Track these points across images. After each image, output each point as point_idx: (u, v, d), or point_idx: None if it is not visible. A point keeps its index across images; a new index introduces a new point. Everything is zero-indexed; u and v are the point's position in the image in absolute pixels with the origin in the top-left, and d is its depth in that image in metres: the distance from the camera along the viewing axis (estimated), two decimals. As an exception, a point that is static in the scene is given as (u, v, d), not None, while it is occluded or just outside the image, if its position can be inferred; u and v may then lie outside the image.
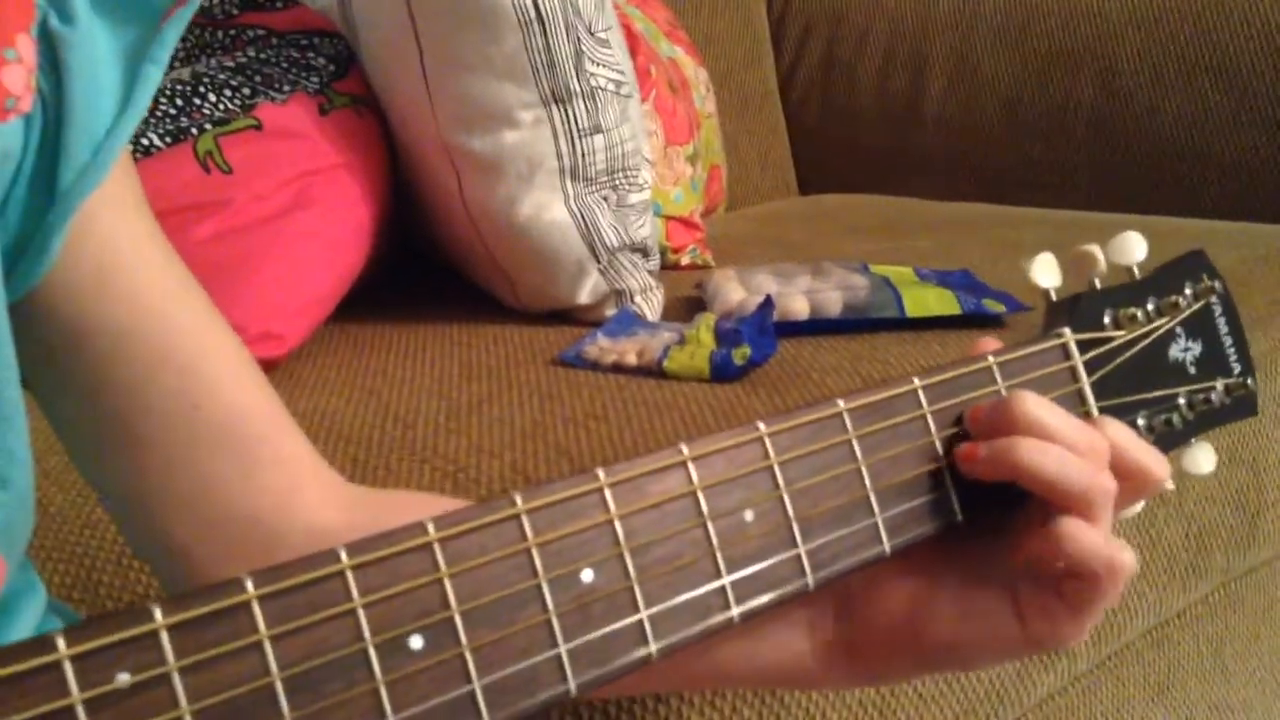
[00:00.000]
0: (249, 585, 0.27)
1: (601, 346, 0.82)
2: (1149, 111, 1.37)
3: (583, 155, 0.89)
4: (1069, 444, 0.40)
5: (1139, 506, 0.46)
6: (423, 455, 0.67)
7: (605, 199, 0.91)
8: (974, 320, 0.85)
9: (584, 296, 0.92)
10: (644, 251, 0.94)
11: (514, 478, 0.64)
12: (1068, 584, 0.39)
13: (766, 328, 0.81)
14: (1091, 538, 0.38)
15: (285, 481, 0.43)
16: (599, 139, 0.89)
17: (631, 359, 0.80)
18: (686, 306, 0.98)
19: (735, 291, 0.92)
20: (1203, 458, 0.51)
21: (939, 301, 0.86)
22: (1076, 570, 0.38)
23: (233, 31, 0.99)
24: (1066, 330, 0.47)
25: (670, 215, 1.17)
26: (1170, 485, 0.50)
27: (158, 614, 0.26)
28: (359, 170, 0.91)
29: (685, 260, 1.16)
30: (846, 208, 1.48)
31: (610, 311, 0.93)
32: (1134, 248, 0.50)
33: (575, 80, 0.87)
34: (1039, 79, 1.46)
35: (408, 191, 0.99)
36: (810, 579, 0.38)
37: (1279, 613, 0.95)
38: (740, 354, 0.77)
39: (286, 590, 0.28)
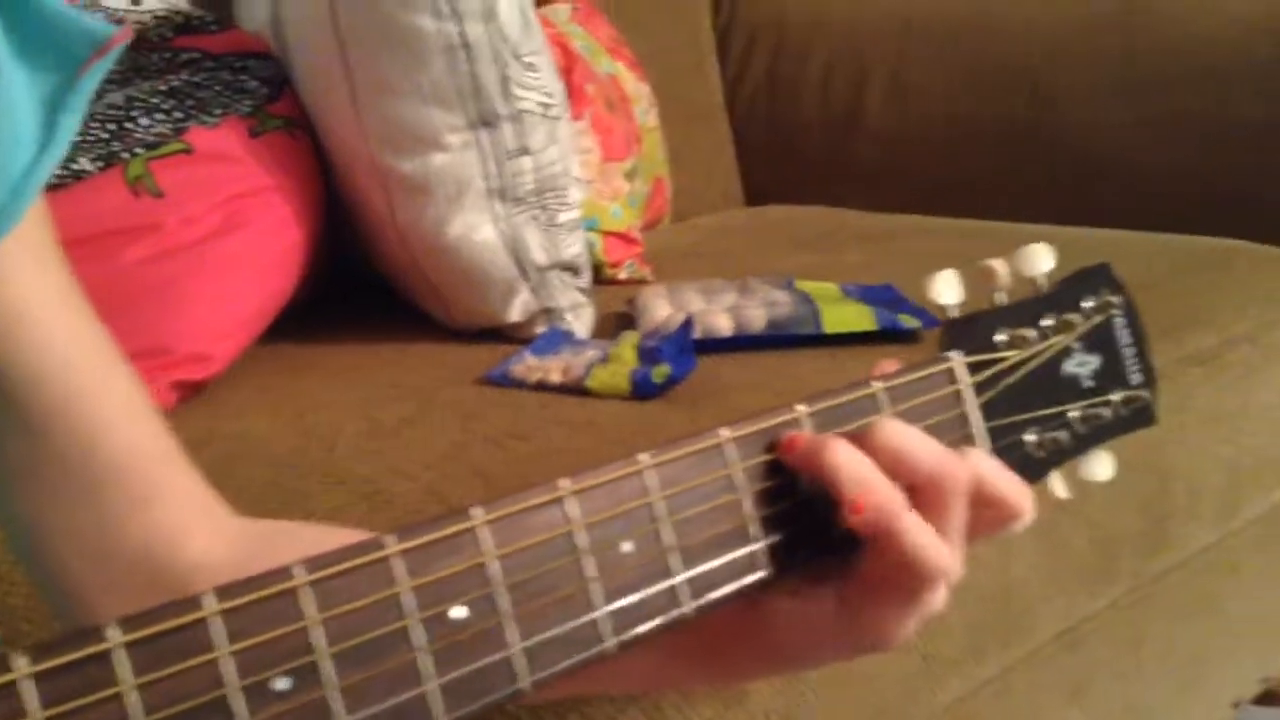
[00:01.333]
0: (111, 633, 0.28)
1: (528, 365, 0.84)
2: (1080, 125, 1.40)
3: (510, 176, 0.91)
4: (923, 467, 0.42)
5: (1021, 524, 0.47)
6: (340, 477, 0.68)
7: (534, 219, 0.93)
8: (891, 335, 0.87)
9: (514, 315, 0.94)
10: (574, 270, 0.96)
11: (429, 499, 0.65)
12: (885, 583, 0.41)
13: (686, 345, 0.83)
14: (921, 538, 0.40)
15: (175, 518, 0.45)
16: (526, 160, 0.91)
17: (556, 377, 0.82)
18: (618, 323, 1.00)
19: (662, 308, 0.94)
20: (1099, 466, 0.53)
21: (856, 317, 0.88)
22: (897, 569, 0.40)
23: (168, 55, 1.00)
24: (953, 354, 0.48)
25: (608, 230, 1.19)
26: (1064, 493, 0.51)
27: (21, 663, 0.27)
28: (291, 192, 0.93)
29: (623, 275, 1.18)
30: (788, 219, 1.50)
31: (541, 329, 0.95)
32: (1039, 260, 0.51)
33: (502, 104, 0.88)
34: (974, 93, 1.49)
35: (342, 212, 1.00)
36: (689, 607, 0.39)
37: (1194, 615, 0.98)
38: (659, 372, 0.79)
39: (152, 637, 0.29)
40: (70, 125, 0.40)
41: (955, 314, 0.49)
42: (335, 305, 1.07)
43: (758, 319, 0.91)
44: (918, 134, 1.53)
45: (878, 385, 0.45)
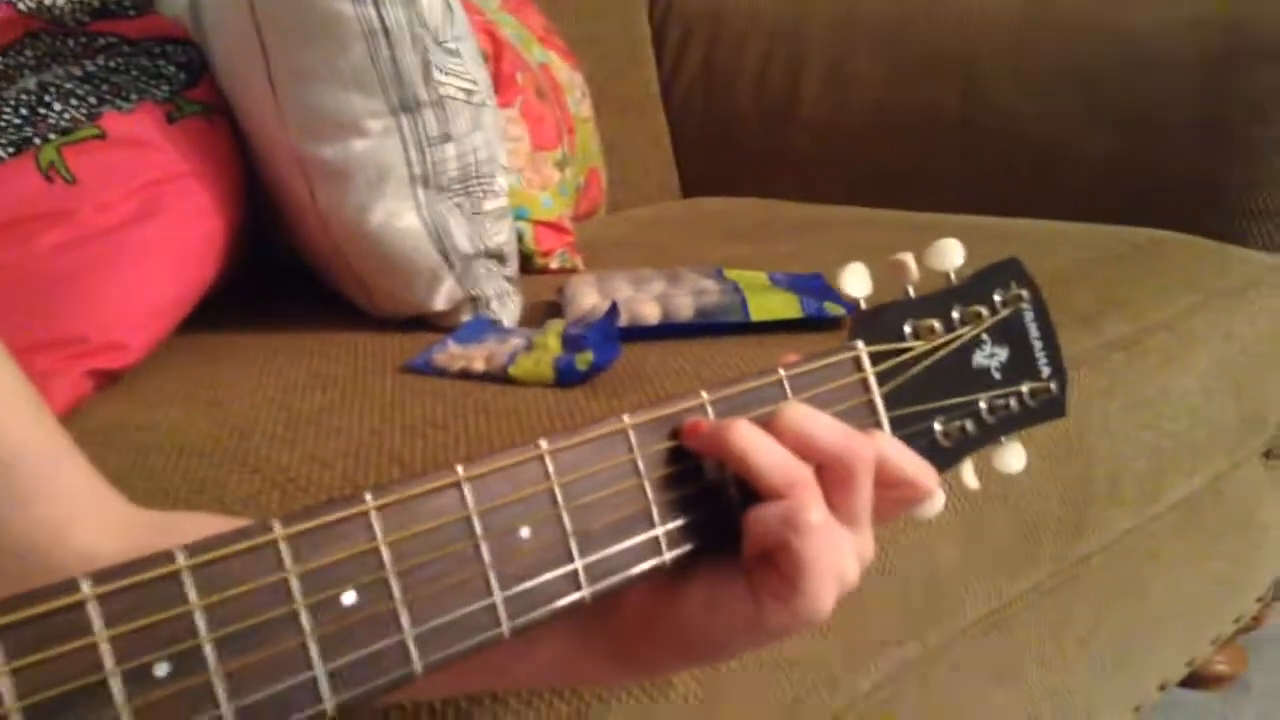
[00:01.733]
0: None
1: (451, 353, 0.83)
2: (1010, 115, 1.42)
3: (433, 164, 0.89)
4: (826, 446, 0.42)
5: (934, 507, 0.49)
6: (254, 465, 0.67)
7: (459, 206, 0.92)
8: (816, 323, 0.88)
9: (439, 303, 0.93)
10: (500, 258, 0.95)
11: (343, 487, 0.64)
12: (778, 557, 0.41)
13: (611, 333, 0.83)
14: (773, 509, 0.41)
15: (61, 513, 0.43)
16: (450, 147, 0.90)
17: (479, 365, 0.81)
18: (547, 312, 0.99)
19: (589, 297, 0.93)
20: (1012, 457, 0.53)
21: (782, 305, 0.88)
22: (771, 543, 0.41)
23: (84, 39, 0.98)
24: (859, 342, 0.48)
25: (539, 220, 1.19)
26: (975, 484, 0.53)
27: None
28: (209, 179, 0.91)
29: (554, 264, 1.18)
30: (723, 211, 1.51)
31: (466, 317, 0.94)
32: (950, 254, 0.52)
33: (423, 89, 0.87)
34: (907, 83, 1.50)
35: (262, 199, 0.99)
36: (586, 592, 0.39)
37: (1119, 597, 1.00)
38: (583, 359, 0.79)
39: (23, 621, 0.28)
40: None
41: (863, 306, 0.50)
42: (256, 293, 1.05)
43: (685, 307, 0.91)
44: (853, 125, 1.54)
45: (781, 373, 0.45)
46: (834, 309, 0.89)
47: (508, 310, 0.95)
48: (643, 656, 0.45)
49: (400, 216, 0.89)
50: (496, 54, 1.18)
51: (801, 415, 0.42)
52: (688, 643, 0.43)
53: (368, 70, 0.85)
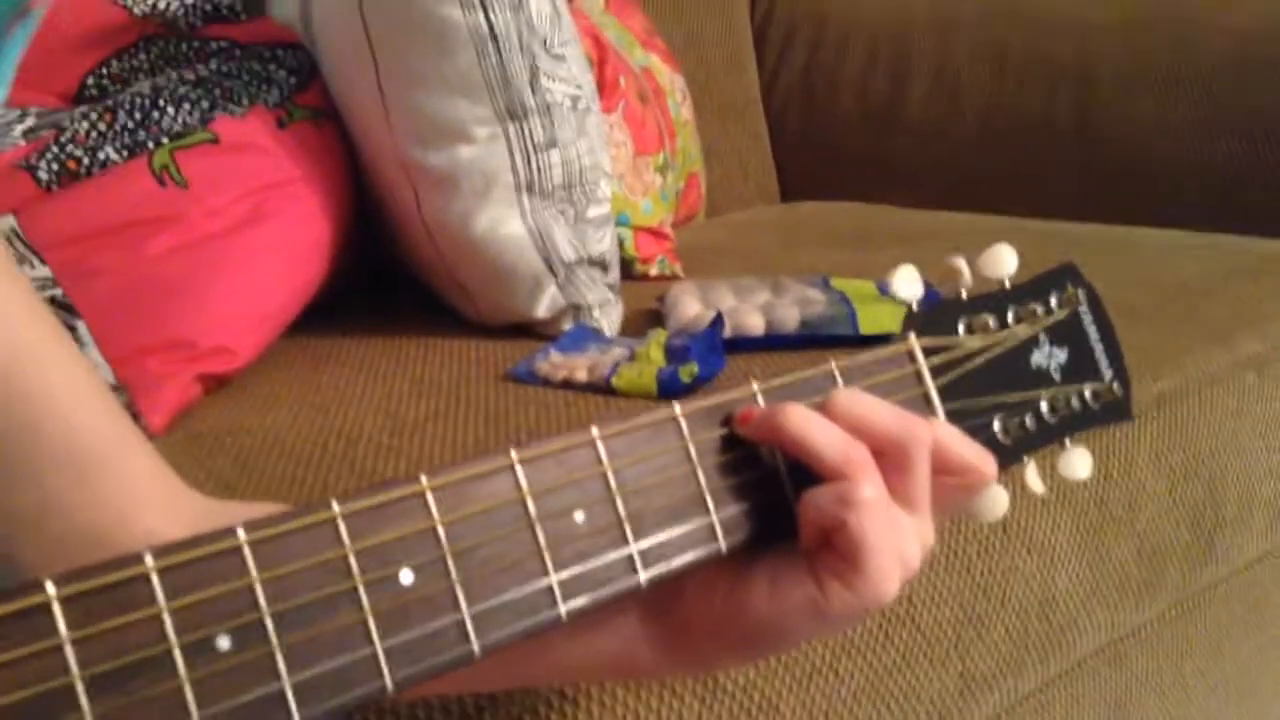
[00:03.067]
0: (50, 588, 0.28)
1: (553, 362, 0.82)
2: (1124, 121, 1.37)
3: (539, 170, 0.89)
4: (881, 428, 0.42)
5: (999, 508, 0.48)
6: (361, 473, 0.67)
7: (562, 213, 0.91)
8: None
9: (541, 311, 0.92)
10: (602, 266, 0.94)
11: (449, 499, 0.64)
12: (836, 538, 0.40)
13: (716, 345, 0.81)
14: (827, 490, 0.40)
15: (126, 498, 0.44)
16: (555, 154, 0.89)
17: (581, 375, 0.80)
18: (647, 320, 0.98)
19: (692, 306, 0.91)
20: (1078, 462, 0.52)
21: (893, 318, 0.85)
22: (828, 523, 0.40)
23: (196, 44, 0.99)
24: (911, 335, 0.48)
25: (639, 226, 1.17)
26: (1039, 487, 0.52)
27: None
28: (317, 184, 0.91)
29: (654, 271, 1.16)
30: (823, 215, 1.48)
31: (568, 325, 0.93)
32: (1004, 260, 0.52)
33: (530, 96, 0.87)
34: (1017, 88, 1.46)
35: (368, 205, 0.99)
36: (642, 576, 0.39)
37: (1240, 628, 0.95)
38: (687, 371, 0.77)
39: (89, 592, 0.29)
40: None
41: (914, 308, 0.50)
42: (360, 300, 1.05)
43: (790, 318, 0.89)
44: (960, 130, 1.50)
45: (833, 364, 0.45)
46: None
47: (609, 318, 0.94)
48: (703, 649, 0.44)
49: (505, 223, 0.89)
50: (600, 58, 1.17)
51: (855, 398, 0.42)
52: (750, 633, 0.42)
53: (475, 77, 0.85)
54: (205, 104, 0.90)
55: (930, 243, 1.21)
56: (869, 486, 0.40)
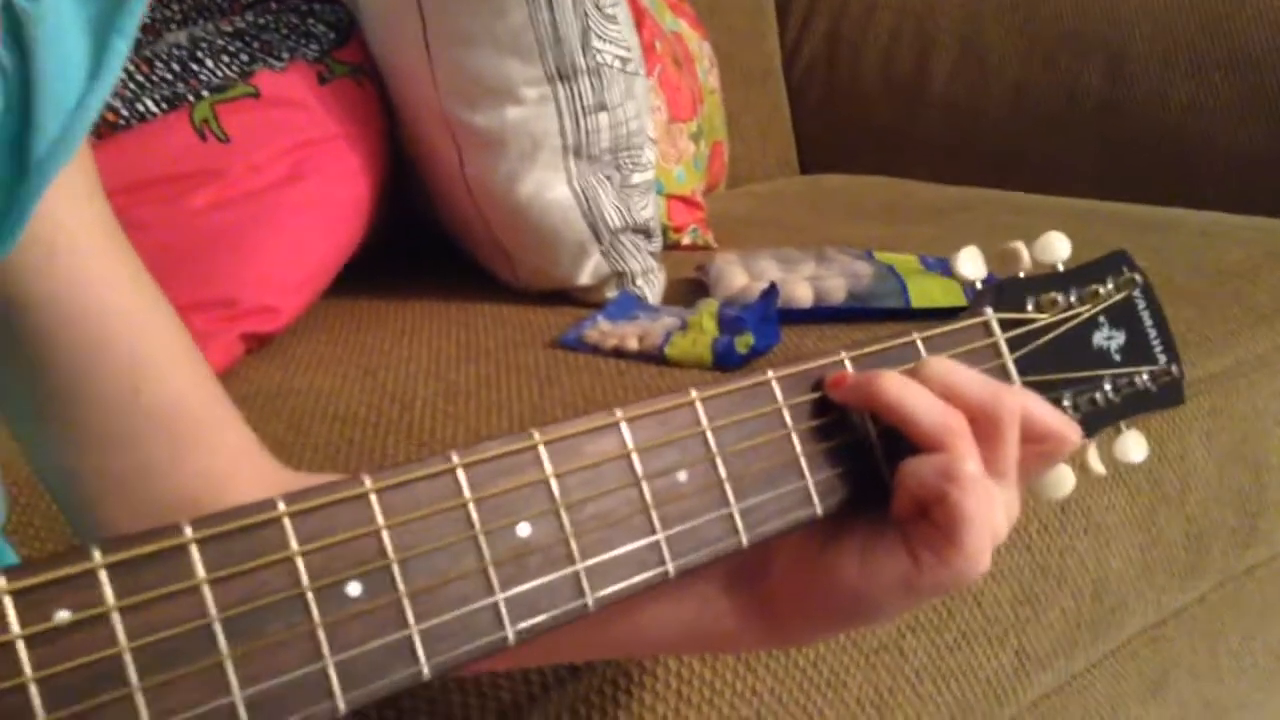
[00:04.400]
0: (187, 530, 0.28)
1: (602, 330, 0.81)
2: (1157, 100, 1.36)
3: (587, 133, 0.87)
4: (974, 396, 0.41)
5: (1065, 486, 0.49)
6: (420, 438, 0.65)
7: (609, 178, 0.89)
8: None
9: (585, 278, 0.90)
10: (646, 233, 0.93)
11: (513, 466, 0.63)
12: (934, 511, 0.40)
13: (770, 316, 0.80)
14: (929, 462, 0.40)
15: (220, 467, 0.44)
16: (604, 117, 0.87)
17: (633, 344, 0.79)
18: (687, 289, 0.97)
19: (738, 277, 0.90)
20: (1133, 446, 0.53)
21: (944, 293, 0.85)
22: (927, 495, 0.40)
23: (230, -6, 0.97)
24: (989, 309, 0.49)
25: (672, 194, 1.16)
26: (1100, 468, 0.53)
27: (96, 555, 0.27)
28: (358, 141, 0.89)
29: (686, 240, 1.15)
30: (848, 188, 1.46)
31: (611, 293, 0.91)
32: (1058, 247, 0.52)
33: (581, 56, 0.85)
34: (1046, 63, 1.44)
35: (407, 164, 0.97)
36: (744, 537, 0.39)
37: (1274, 611, 0.95)
38: (743, 342, 0.76)
39: (225, 534, 0.29)
40: (122, 49, 0.39)
41: (979, 288, 0.51)
42: (395, 259, 1.03)
43: (838, 289, 0.88)
44: (987, 105, 1.48)
45: (917, 335, 0.46)
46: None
47: (652, 287, 0.93)
48: (789, 621, 0.44)
49: (551, 187, 0.87)
50: (638, 20, 1.14)
51: (948, 366, 0.42)
52: (840, 604, 0.42)
53: (527, 35, 0.83)
54: (245, 57, 0.88)
55: (963, 217, 1.21)
56: (972, 460, 0.40)
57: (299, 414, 0.69)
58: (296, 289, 0.83)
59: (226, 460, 0.44)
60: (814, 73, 1.67)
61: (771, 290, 0.83)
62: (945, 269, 0.93)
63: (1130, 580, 0.76)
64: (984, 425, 0.41)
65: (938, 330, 0.46)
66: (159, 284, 0.80)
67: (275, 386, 0.74)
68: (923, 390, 0.41)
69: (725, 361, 0.76)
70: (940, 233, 1.15)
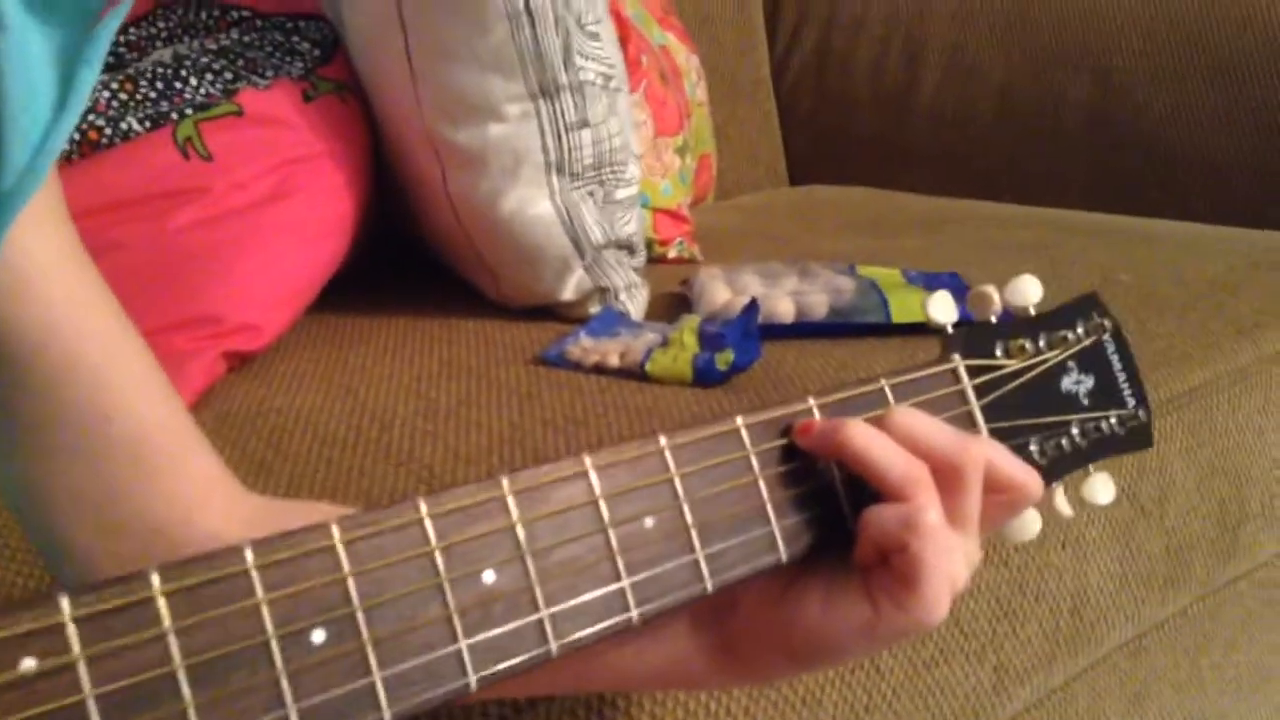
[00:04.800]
0: (154, 580, 0.29)
1: (584, 346, 0.81)
2: (1144, 111, 1.36)
3: (569, 150, 0.87)
4: (938, 446, 0.42)
5: (1031, 530, 0.50)
6: (398, 459, 0.66)
7: (591, 194, 0.90)
8: (959, 326, 0.84)
9: (568, 293, 0.91)
10: (629, 248, 0.93)
11: (490, 485, 0.63)
12: (894, 559, 0.41)
13: (751, 331, 0.80)
14: (891, 511, 0.41)
15: (190, 494, 0.44)
16: (586, 133, 0.88)
17: (614, 360, 0.79)
18: (671, 304, 0.97)
19: (721, 292, 0.91)
20: (1101, 488, 0.54)
21: (923, 307, 0.85)
22: (889, 544, 0.41)
23: (216, 12, 0.97)
24: (956, 356, 0.49)
25: (658, 208, 1.16)
26: (1068, 511, 0.53)
27: (64, 604, 0.27)
28: (342, 159, 0.90)
29: (672, 253, 1.15)
30: (836, 200, 1.47)
31: (594, 308, 0.92)
32: (1029, 290, 0.53)
33: (563, 73, 0.85)
34: (1034, 74, 1.45)
35: (391, 180, 0.97)
36: (709, 584, 0.39)
37: (1256, 624, 0.95)
38: (723, 359, 0.76)
39: (192, 586, 0.29)
40: (89, 79, 0.40)
41: (950, 330, 0.51)
42: (379, 276, 1.04)
43: (820, 305, 0.88)
44: (974, 116, 1.49)
45: (884, 382, 0.46)
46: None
47: (635, 302, 0.93)
48: (754, 661, 0.44)
49: (533, 204, 0.87)
50: (624, 36, 1.15)
51: (913, 416, 0.43)
52: (802, 646, 0.43)
53: (509, 52, 0.83)
54: (229, 75, 0.88)
55: (951, 229, 1.21)
56: (934, 511, 0.41)
57: (278, 433, 0.70)
58: (279, 307, 0.84)
59: (195, 486, 0.45)
60: (803, 85, 1.67)
61: (752, 306, 0.83)
62: (928, 283, 0.93)
63: (1109, 594, 0.76)
64: (947, 475, 0.42)
65: (906, 377, 0.47)
66: (142, 302, 0.81)
67: (256, 405, 0.74)
68: (887, 440, 0.42)
69: (705, 378, 0.76)
70: (928, 244, 1.15)
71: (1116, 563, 0.76)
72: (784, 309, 0.87)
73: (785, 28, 1.69)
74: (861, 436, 0.41)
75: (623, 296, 0.92)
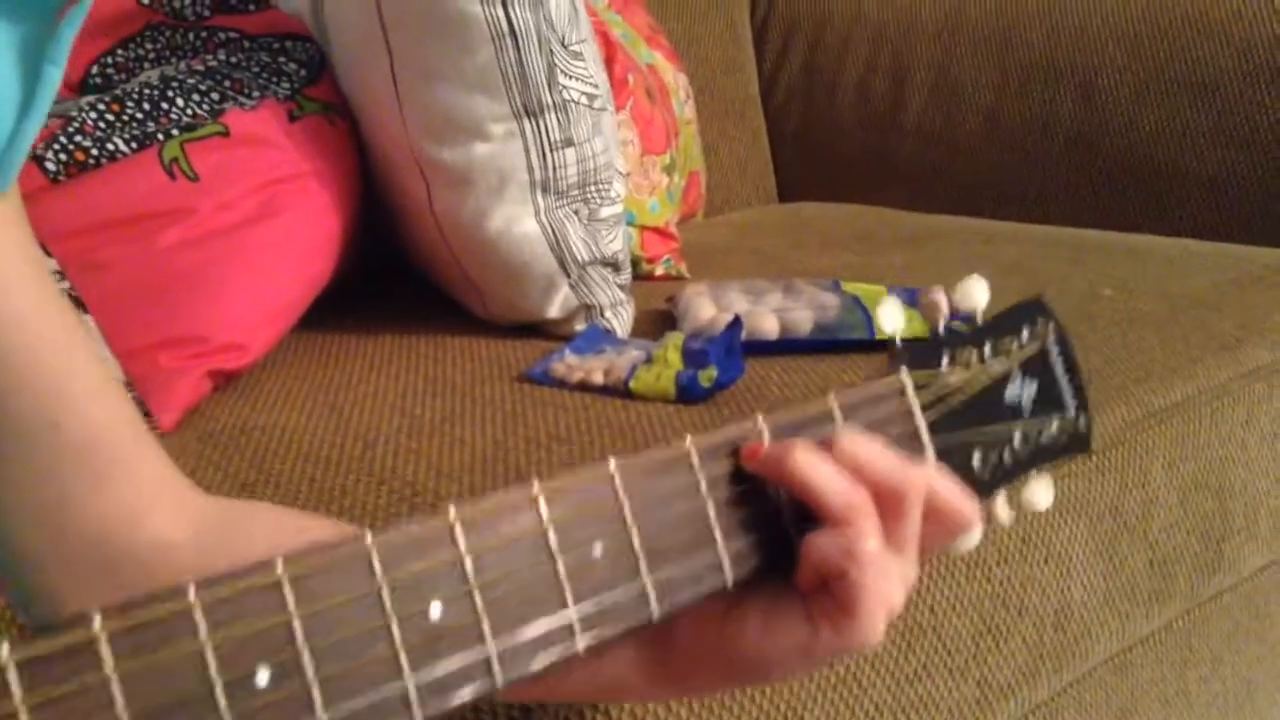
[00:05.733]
0: (97, 622, 0.28)
1: (569, 364, 0.82)
2: (1128, 127, 1.37)
3: (554, 168, 0.88)
4: (880, 473, 0.42)
5: (970, 543, 0.49)
6: (381, 476, 0.66)
7: (576, 212, 0.90)
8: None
9: (553, 311, 0.91)
10: (615, 266, 0.94)
11: (472, 502, 0.63)
12: (833, 585, 0.41)
13: (735, 348, 0.81)
14: (832, 538, 0.41)
15: (137, 499, 0.44)
16: (570, 152, 0.88)
17: (598, 378, 0.80)
18: (658, 321, 0.97)
19: (706, 309, 0.91)
20: (1041, 492, 0.54)
21: (909, 324, 0.85)
22: (829, 571, 0.41)
23: (203, 33, 0.98)
24: (903, 369, 0.50)
25: (645, 225, 1.17)
26: (1006, 518, 0.53)
27: (4, 650, 0.27)
28: (328, 179, 0.90)
29: (659, 271, 1.16)
30: (824, 217, 1.48)
31: (580, 326, 0.92)
32: (976, 293, 0.53)
33: (547, 93, 0.86)
34: (1019, 92, 1.46)
35: (378, 199, 0.98)
36: (655, 610, 0.39)
37: (1242, 637, 0.95)
38: (706, 376, 0.77)
39: (135, 628, 0.29)
40: (54, 78, 0.39)
41: (898, 343, 0.51)
42: (366, 293, 1.04)
43: (804, 321, 0.88)
44: (961, 134, 1.50)
45: (831, 400, 0.46)
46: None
47: (621, 319, 0.94)
48: (691, 676, 0.45)
49: (519, 222, 0.88)
50: (609, 56, 1.16)
51: (858, 442, 0.43)
52: (739, 664, 0.43)
53: (493, 73, 0.84)
54: (215, 96, 0.89)
55: (937, 245, 1.22)
56: (872, 539, 0.41)
57: (262, 452, 0.70)
58: (265, 326, 0.84)
59: (145, 492, 0.45)
60: (791, 103, 1.68)
61: (736, 323, 0.83)
62: (913, 299, 0.94)
63: (1093, 608, 0.76)
64: (888, 501, 0.42)
65: (853, 394, 0.47)
66: (128, 321, 0.81)
67: (240, 424, 0.74)
68: (829, 466, 0.42)
69: (689, 395, 0.76)
70: (914, 261, 1.16)
71: (1100, 577, 0.76)
72: (769, 326, 0.87)
73: (773, 47, 1.70)
74: (805, 464, 0.41)
75: (608, 314, 0.92)
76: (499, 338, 0.92)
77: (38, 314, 0.42)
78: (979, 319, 0.53)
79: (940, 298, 0.52)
